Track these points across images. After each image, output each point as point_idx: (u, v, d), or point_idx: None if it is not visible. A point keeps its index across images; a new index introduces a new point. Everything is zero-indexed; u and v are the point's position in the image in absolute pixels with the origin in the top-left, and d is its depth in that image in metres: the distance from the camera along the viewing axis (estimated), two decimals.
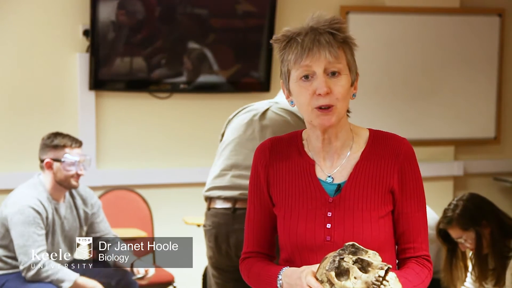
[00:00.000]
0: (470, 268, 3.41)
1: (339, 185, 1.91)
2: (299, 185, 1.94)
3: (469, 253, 3.41)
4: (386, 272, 1.75)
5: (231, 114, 3.51)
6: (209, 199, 3.43)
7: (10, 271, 3.67)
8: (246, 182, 3.32)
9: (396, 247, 1.98)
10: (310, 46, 1.85)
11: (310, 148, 1.97)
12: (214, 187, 3.40)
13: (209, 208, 3.43)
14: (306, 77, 1.86)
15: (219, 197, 3.39)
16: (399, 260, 1.97)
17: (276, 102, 3.45)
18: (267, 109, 3.41)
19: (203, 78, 5.10)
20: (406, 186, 1.92)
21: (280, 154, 1.98)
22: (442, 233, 3.37)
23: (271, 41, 1.94)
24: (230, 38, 5.17)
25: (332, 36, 1.86)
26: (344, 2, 5.40)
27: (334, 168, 1.94)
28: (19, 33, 4.85)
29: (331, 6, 5.40)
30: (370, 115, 5.43)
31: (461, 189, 5.67)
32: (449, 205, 3.38)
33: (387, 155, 1.92)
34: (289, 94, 1.93)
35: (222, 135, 3.51)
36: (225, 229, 3.37)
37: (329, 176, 1.93)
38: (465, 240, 3.30)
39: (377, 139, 1.96)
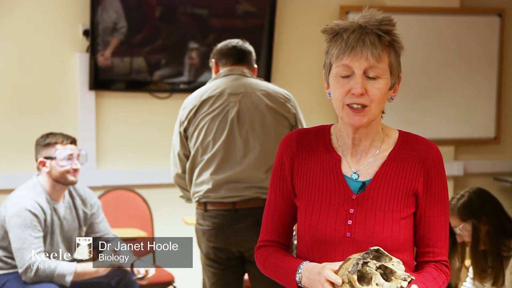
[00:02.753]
0: (470, 268, 3.41)
1: (363, 182, 1.92)
2: (324, 179, 1.94)
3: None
4: (409, 283, 1.75)
5: (190, 104, 3.49)
6: (204, 203, 3.45)
7: (11, 271, 3.67)
8: (242, 192, 3.36)
9: (415, 249, 1.98)
10: (354, 44, 1.84)
11: (339, 143, 1.97)
12: (209, 197, 3.42)
13: (206, 210, 3.44)
14: (347, 76, 1.86)
15: (217, 202, 3.41)
16: (417, 262, 1.97)
17: (239, 93, 3.44)
18: (239, 108, 3.42)
19: (203, 78, 5.10)
20: (431, 190, 1.93)
21: (306, 146, 1.99)
22: None
23: (321, 31, 1.93)
24: (230, 38, 5.16)
25: (378, 38, 1.85)
26: (344, 2, 5.40)
27: (361, 165, 1.94)
28: (19, 33, 4.85)
29: (331, 6, 5.40)
30: None
31: (461, 189, 5.65)
32: (457, 194, 3.39)
33: (415, 158, 1.93)
34: (327, 86, 1.93)
35: (187, 125, 3.48)
36: (227, 230, 3.39)
37: (354, 173, 1.94)
38: (461, 231, 3.30)
39: (406, 141, 1.96)
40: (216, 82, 3.50)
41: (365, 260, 1.75)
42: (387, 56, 1.87)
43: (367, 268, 1.75)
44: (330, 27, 1.90)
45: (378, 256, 1.77)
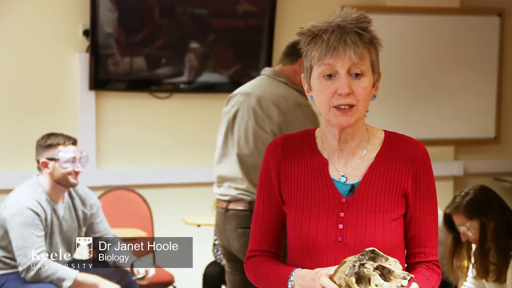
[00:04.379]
0: (470, 267, 3.40)
1: (352, 185, 1.89)
2: (312, 184, 1.91)
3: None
4: (409, 281, 1.74)
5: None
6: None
7: (10, 271, 3.67)
8: (235, 191, 3.44)
9: (406, 250, 1.97)
10: (336, 45, 1.81)
11: (325, 146, 1.94)
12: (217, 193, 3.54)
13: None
14: (329, 76, 1.84)
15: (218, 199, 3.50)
16: (408, 264, 1.96)
17: (246, 93, 3.51)
18: (237, 111, 3.49)
19: (203, 78, 5.10)
20: (419, 190, 1.91)
21: (292, 151, 1.96)
22: (447, 219, 3.35)
23: (296, 34, 1.90)
24: (230, 38, 5.17)
25: (358, 36, 1.83)
26: (344, 2, 5.40)
27: (348, 167, 1.92)
28: (19, 33, 4.85)
29: (331, 6, 5.40)
30: (370, 115, 5.40)
31: (461, 189, 5.67)
32: (460, 192, 3.38)
33: (403, 158, 1.91)
34: (309, 89, 1.91)
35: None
36: (219, 230, 3.47)
37: (342, 176, 1.91)
38: (468, 229, 3.27)
39: (392, 141, 1.94)
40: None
41: (361, 262, 1.73)
42: (368, 54, 1.85)
43: (365, 270, 1.72)
44: (307, 29, 1.87)
45: (373, 257, 1.75)
